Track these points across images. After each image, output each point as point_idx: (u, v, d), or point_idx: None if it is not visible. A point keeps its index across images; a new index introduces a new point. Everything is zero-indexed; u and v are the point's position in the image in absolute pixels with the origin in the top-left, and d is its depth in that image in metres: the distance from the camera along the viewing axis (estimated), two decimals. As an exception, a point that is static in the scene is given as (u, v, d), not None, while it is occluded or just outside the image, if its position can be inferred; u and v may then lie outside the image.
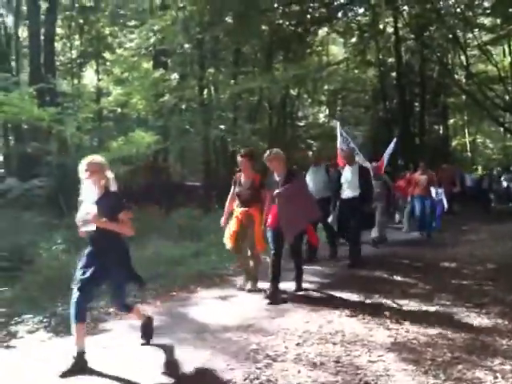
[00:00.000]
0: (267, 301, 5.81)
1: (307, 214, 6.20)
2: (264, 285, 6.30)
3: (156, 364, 4.05)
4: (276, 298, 5.84)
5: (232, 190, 6.61)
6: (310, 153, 19.26)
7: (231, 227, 6.39)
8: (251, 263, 6.51)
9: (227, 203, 6.65)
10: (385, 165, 11.44)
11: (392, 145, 12.02)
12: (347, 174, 8.33)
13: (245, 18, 16.35)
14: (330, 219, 8.41)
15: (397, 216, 14.38)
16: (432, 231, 11.94)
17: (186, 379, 3.80)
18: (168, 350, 4.34)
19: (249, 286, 6.46)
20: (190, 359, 4.11)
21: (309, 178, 8.52)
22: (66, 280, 6.12)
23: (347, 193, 8.20)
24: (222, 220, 6.60)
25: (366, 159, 11.72)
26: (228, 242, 6.45)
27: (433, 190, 12.16)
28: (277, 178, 6.09)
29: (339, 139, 10.21)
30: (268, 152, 6.11)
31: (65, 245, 7.86)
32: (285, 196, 5.93)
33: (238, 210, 6.41)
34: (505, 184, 21.27)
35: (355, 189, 8.08)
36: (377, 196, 9.65)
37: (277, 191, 5.96)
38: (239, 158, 6.55)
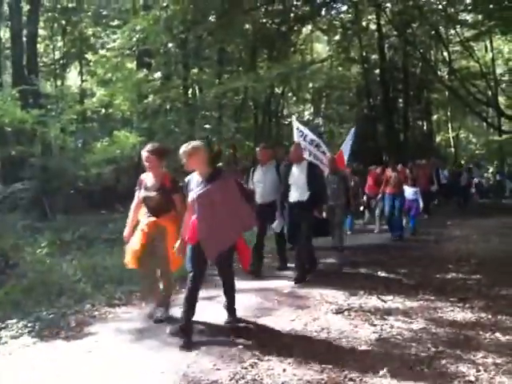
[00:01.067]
0: (174, 337, 4.64)
1: (237, 224, 4.79)
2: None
3: (141, 367, 4.05)
4: (187, 336, 4.50)
5: (136, 195, 5.39)
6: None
7: (134, 242, 5.10)
8: (161, 286, 5.40)
9: (131, 212, 5.40)
10: (346, 158, 10.77)
11: (350, 136, 11.38)
12: (294, 173, 7.12)
13: (228, 17, 16.34)
14: (274, 225, 7.33)
15: (366, 216, 13.55)
16: (404, 234, 11.05)
17: (170, 381, 3.80)
18: (154, 352, 4.34)
19: (158, 313, 5.21)
20: (176, 360, 4.11)
21: (256, 179, 7.55)
22: (51, 284, 6.12)
23: (294, 196, 7.03)
24: (125, 233, 5.34)
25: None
26: (130, 261, 5.16)
27: (407, 189, 11.23)
28: (199, 179, 4.73)
29: (295, 134, 9.74)
30: (184, 146, 4.74)
31: (49, 248, 7.81)
32: (205, 200, 4.57)
33: (145, 221, 5.17)
34: (476, 180, 21.88)
35: (304, 191, 6.94)
36: (334, 193, 8.97)
37: (194, 194, 4.63)
38: (144, 154, 5.22)
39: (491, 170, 27.11)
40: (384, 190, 11.13)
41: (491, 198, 22.53)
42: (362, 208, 12.98)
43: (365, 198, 12.97)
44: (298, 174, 7.03)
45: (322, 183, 7.30)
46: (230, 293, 5.06)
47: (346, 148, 10.85)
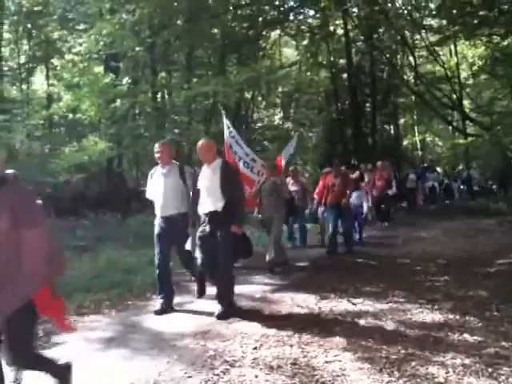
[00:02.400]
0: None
1: (34, 268, 2.56)
2: None
3: (111, 377, 3.98)
4: None
5: None
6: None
7: None
8: None
9: None
10: (283, 165, 9.48)
11: (292, 143, 10.27)
12: (204, 176, 5.63)
13: (196, 21, 16.30)
14: (187, 245, 5.87)
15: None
16: (350, 249, 9.64)
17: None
18: (124, 361, 4.27)
19: None
20: (147, 369, 4.05)
21: (151, 186, 6.02)
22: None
23: (205, 205, 5.56)
24: None
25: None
26: None
27: (354, 195, 10.32)
28: None
29: (226, 132, 8.72)
30: None
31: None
32: None
33: None
34: (430, 183, 21.31)
35: (217, 199, 5.44)
36: (270, 203, 8.03)
37: None
38: None
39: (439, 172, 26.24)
40: (326, 199, 9.61)
41: (437, 202, 21.62)
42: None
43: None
44: (209, 177, 5.53)
45: (238, 189, 5.63)
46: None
47: (285, 154, 9.71)
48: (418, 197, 18.59)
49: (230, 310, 5.42)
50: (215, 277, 5.57)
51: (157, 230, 5.84)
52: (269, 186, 8.13)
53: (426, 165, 26.30)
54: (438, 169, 27.82)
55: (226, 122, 8.87)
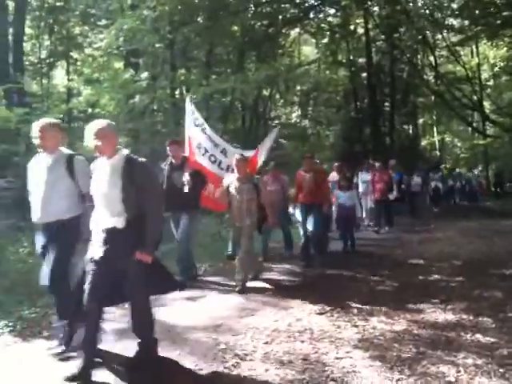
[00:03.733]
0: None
1: None
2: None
3: (122, 366, 4.02)
4: None
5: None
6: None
7: None
8: None
9: None
10: (260, 162, 8.18)
11: (272, 135, 8.80)
12: (97, 177, 3.93)
13: (216, 19, 16.35)
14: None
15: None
16: (313, 260, 8.09)
17: (152, 380, 3.78)
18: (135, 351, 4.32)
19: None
20: (158, 360, 4.09)
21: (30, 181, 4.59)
22: (33, 283, 6.05)
23: (101, 219, 3.85)
24: None
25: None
26: None
27: (340, 194, 9.40)
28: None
29: (188, 119, 7.60)
30: None
31: (32, 248, 7.73)
32: None
33: None
34: (433, 184, 19.83)
35: (116, 212, 3.77)
36: (242, 207, 6.55)
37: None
38: None
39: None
40: (296, 199, 8.38)
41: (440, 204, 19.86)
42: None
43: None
44: (105, 179, 3.81)
45: (153, 198, 3.86)
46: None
47: (263, 149, 8.23)
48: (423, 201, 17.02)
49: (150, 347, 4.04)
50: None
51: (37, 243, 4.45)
52: (241, 186, 6.54)
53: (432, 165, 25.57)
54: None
55: (189, 107, 7.58)
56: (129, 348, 4.11)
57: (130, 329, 4.03)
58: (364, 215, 13.25)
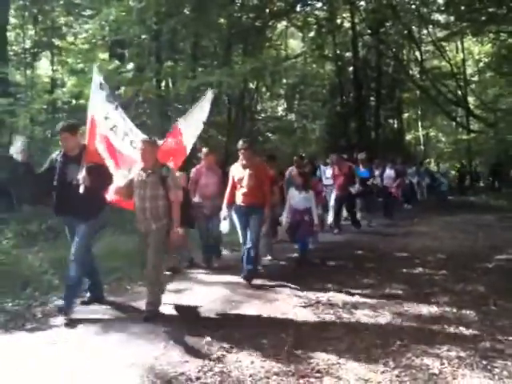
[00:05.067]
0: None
1: None
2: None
3: (107, 359, 4.01)
4: None
5: None
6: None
7: None
8: None
9: None
10: (190, 145, 6.19)
11: (204, 103, 6.33)
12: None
13: (202, 10, 16.24)
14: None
15: None
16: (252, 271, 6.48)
17: (137, 373, 3.78)
18: (120, 345, 4.31)
19: None
20: (144, 353, 4.09)
21: None
22: (17, 275, 6.01)
23: None
24: None
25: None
26: None
27: (294, 194, 7.73)
28: None
29: (95, 95, 5.70)
30: None
31: (15, 240, 7.66)
32: None
33: None
34: (407, 180, 17.32)
35: None
36: (145, 207, 5.11)
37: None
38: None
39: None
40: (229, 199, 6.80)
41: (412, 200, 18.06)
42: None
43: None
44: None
45: None
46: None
47: (190, 124, 6.18)
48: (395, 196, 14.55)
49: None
50: None
51: None
52: (145, 179, 5.10)
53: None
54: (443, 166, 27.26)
55: (97, 79, 5.74)
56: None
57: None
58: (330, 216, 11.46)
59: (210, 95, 6.36)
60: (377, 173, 13.84)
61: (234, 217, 6.67)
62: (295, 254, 8.06)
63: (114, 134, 5.66)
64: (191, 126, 6.15)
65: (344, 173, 11.13)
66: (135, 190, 5.14)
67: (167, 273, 6.22)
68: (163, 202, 5.07)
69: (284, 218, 7.80)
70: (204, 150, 7.64)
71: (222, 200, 6.81)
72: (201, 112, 6.21)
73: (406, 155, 25.77)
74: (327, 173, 12.01)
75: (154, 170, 5.08)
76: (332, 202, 11.42)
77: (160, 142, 5.77)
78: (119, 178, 5.31)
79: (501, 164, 24.87)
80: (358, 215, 12.02)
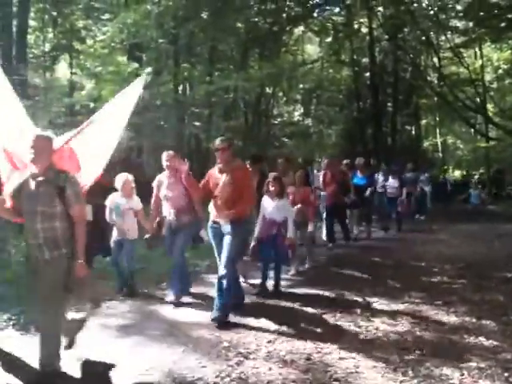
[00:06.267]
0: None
1: None
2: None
3: (126, 363, 4.02)
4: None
5: None
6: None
7: None
8: None
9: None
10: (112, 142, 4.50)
11: (136, 87, 4.90)
12: None
13: (220, 15, 16.33)
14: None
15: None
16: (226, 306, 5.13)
17: (155, 377, 3.77)
18: (139, 349, 4.32)
19: None
20: (162, 357, 4.09)
21: None
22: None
23: None
24: None
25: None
26: None
27: (268, 203, 6.27)
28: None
29: None
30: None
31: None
32: None
33: None
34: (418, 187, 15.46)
35: None
36: (36, 224, 3.63)
37: None
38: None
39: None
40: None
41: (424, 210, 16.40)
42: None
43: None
44: None
45: None
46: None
47: (110, 117, 4.62)
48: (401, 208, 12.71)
49: None
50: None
51: None
52: (34, 190, 3.67)
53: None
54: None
55: None
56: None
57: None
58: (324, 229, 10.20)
59: (141, 80, 5.03)
60: (381, 179, 12.52)
61: (210, 235, 5.46)
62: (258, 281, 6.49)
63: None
64: (114, 118, 4.57)
65: (337, 180, 9.72)
66: (23, 203, 3.72)
67: (78, 316, 4.41)
68: (62, 222, 3.66)
69: (256, 232, 6.16)
70: (168, 152, 5.95)
71: (193, 214, 5.74)
72: (127, 101, 4.68)
73: (423, 161, 25.63)
74: (321, 179, 10.23)
75: (47, 176, 3.66)
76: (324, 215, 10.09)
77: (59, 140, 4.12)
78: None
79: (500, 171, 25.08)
80: (355, 230, 10.90)
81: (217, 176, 5.27)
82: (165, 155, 5.87)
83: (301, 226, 7.27)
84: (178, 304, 5.54)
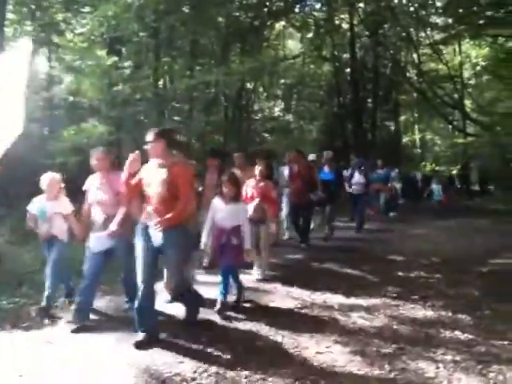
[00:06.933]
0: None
1: None
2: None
3: (102, 359, 4.00)
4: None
5: None
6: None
7: None
8: None
9: None
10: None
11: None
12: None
13: (201, 9, 16.23)
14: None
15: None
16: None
17: (133, 374, 3.77)
18: (116, 344, 4.30)
19: None
20: (140, 353, 4.08)
21: None
22: (11, 273, 5.98)
23: None
24: None
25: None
26: None
27: (219, 207, 5.44)
28: None
29: None
30: None
31: (10, 237, 7.63)
32: None
33: None
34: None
35: None
36: None
37: None
38: None
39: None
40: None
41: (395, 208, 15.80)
42: None
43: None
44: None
45: None
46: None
47: None
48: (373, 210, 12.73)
49: None
50: None
51: None
52: None
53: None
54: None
55: None
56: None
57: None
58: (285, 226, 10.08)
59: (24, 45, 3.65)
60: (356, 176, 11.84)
61: (137, 242, 4.51)
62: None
63: None
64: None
65: (302, 175, 9.02)
66: None
67: None
68: None
69: (203, 241, 5.39)
70: (98, 150, 5.19)
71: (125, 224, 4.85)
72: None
73: (402, 157, 25.86)
74: (286, 174, 9.62)
75: None
76: (284, 212, 9.70)
77: None
78: None
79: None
80: (326, 229, 10.31)
81: (150, 173, 4.50)
82: (94, 154, 5.06)
83: (259, 225, 6.54)
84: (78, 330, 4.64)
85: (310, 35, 25.18)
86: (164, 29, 16.18)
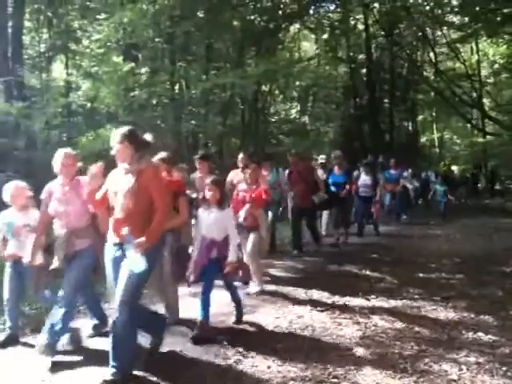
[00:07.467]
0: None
1: None
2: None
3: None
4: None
5: None
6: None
7: None
8: None
9: None
10: None
11: None
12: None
13: (216, 13, 16.31)
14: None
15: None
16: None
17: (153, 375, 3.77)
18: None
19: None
20: (160, 355, 4.09)
21: None
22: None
23: None
24: None
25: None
26: None
27: (203, 215, 4.88)
28: None
29: None
30: None
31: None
32: None
33: None
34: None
35: None
36: None
37: None
38: None
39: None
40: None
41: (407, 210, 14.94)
42: None
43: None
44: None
45: None
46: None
47: None
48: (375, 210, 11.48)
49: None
50: None
51: None
52: None
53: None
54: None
55: None
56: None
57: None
58: None
59: None
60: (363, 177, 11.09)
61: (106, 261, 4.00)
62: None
63: None
64: None
65: (304, 177, 8.64)
66: None
67: None
68: None
69: (194, 253, 4.83)
70: (65, 151, 4.37)
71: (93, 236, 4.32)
72: None
73: (421, 158, 25.63)
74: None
75: None
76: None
77: None
78: None
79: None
80: (335, 233, 9.91)
81: (116, 181, 3.85)
82: (60, 155, 4.28)
83: (251, 232, 6.07)
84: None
85: (324, 36, 25.13)
86: (179, 34, 16.30)
